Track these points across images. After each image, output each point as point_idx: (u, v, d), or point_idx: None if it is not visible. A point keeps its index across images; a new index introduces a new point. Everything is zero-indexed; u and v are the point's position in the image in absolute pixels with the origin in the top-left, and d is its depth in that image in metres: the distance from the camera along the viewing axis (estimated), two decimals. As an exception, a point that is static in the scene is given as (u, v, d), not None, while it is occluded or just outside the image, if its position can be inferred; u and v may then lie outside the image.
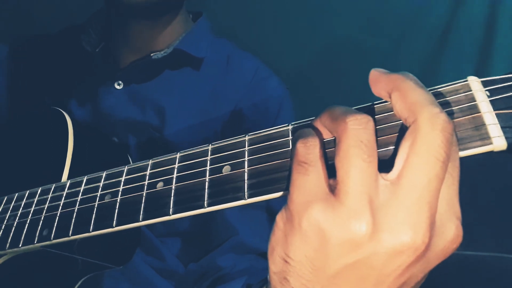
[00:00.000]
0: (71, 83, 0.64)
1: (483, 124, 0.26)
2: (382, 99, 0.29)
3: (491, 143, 0.26)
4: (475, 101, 0.27)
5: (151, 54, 0.63)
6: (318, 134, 0.28)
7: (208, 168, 0.35)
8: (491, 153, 0.27)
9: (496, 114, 0.26)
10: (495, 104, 0.27)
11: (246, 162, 0.34)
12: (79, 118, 0.63)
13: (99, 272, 0.54)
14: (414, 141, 0.24)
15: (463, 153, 0.26)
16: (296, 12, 1.04)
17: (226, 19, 0.87)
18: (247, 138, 0.35)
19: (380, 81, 0.27)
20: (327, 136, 0.29)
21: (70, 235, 0.41)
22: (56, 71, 0.65)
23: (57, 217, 0.42)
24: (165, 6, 0.60)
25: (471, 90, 0.28)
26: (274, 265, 0.27)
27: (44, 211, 0.44)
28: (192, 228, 0.60)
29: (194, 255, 0.58)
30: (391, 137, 0.28)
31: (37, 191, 0.47)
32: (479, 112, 0.27)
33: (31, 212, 0.45)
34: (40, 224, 0.43)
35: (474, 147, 0.26)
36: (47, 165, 0.50)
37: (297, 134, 0.28)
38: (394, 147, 0.27)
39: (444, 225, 0.24)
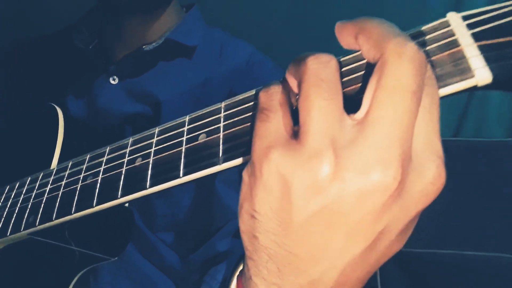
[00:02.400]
0: (66, 81, 0.64)
1: (463, 57, 0.24)
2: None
3: (473, 76, 0.23)
4: (454, 35, 0.25)
5: (143, 46, 0.63)
6: (285, 84, 0.26)
7: (184, 138, 0.34)
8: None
9: (478, 46, 0.24)
10: (476, 37, 0.24)
11: (221, 128, 0.32)
12: (76, 115, 0.63)
13: (96, 267, 0.53)
14: (380, 75, 0.21)
15: (443, 91, 0.24)
16: (294, 9, 1.02)
17: (224, 13, 0.87)
18: (223, 104, 0.33)
19: (345, 28, 0.25)
20: (295, 86, 0.27)
21: (53, 219, 0.40)
22: (50, 71, 0.65)
23: (43, 203, 0.42)
24: (155, 0, 0.60)
25: (449, 26, 0.25)
26: (243, 223, 0.25)
27: (32, 198, 0.44)
28: (191, 219, 0.58)
29: (192, 247, 0.56)
30: (358, 86, 0.26)
31: (27, 180, 0.46)
32: (459, 46, 0.24)
33: (20, 201, 0.45)
34: (27, 212, 0.43)
35: (454, 82, 0.24)
36: (39, 156, 0.50)
37: (263, 86, 0.26)
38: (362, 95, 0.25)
39: (422, 164, 0.21)
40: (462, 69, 0.24)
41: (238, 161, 0.30)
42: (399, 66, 0.21)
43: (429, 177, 0.21)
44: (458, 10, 0.27)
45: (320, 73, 0.22)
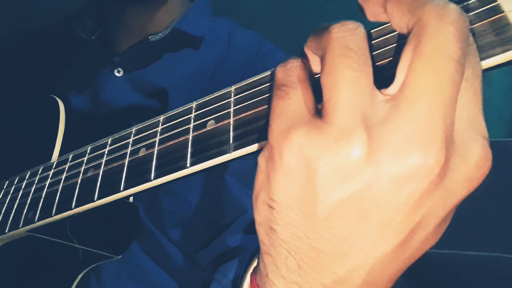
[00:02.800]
0: (68, 73, 0.62)
1: (508, 24, 0.21)
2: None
3: (520, 45, 0.20)
4: (496, 1, 0.22)
5: (149, 37, 0.60)
6: (304, 60, 0.23)
7: (191, 125, 0.31)
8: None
9: (525, 11, 0.21)
10: (522, 2, 0.21)
11: (231, 113, 0.29)
12: (79, 108, 0.60)
13: (99, 267, 0.51)
14: (418, 41, 0.18)
15: (485, 63, 0.21)
16: (298, 8, 0.99)
17: (230, 1, 0.84)
18: (233, 88, 0.31)
19: None
20: (316, 63, 0.24)
21: (53, 214, 0.37)
22: (51, 62, 0.63)
23: (42, 198, 0.39)
24: None
25: (490, -10, 0.22)
26: (259, 215, 0.22)
27: (31, 193, 0.41)
28: (200, 215, 0.55)
29: (201, 245, 0.54)
30: (388, 61, 0.23)
31: (26, 174, 0.44)
32: (502, 12, 0.21)
33: (19, 196, 0.43)
34: (26, 207, 0.41)
35: (498, 53, 0.21)
36: (39, 149, 0.47)
37: (279, 63, 0.24)
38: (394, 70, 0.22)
39: (466, 144, 0.19)
40: (506, 37, 0.21)
41: (251, 148, 0.27)
42: (441, 29, 0.18)
43: (474, 159, 0.18)
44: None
45: (347, 41, 0.19)
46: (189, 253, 0.55)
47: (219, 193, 0.51)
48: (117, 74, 0.61)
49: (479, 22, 0.22)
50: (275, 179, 0.20)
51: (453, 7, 0.18)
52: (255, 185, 0.22)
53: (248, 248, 0.43)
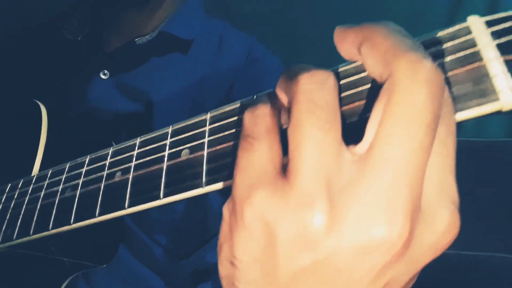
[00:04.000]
0: (55, 75, 0.61)
1: (486, 75, 0.20)
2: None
3: (497, 99, 0.19)
4: (475, 45, 0.21)
5: (136, 40, 0.59)
6: (275, 102, 0.22)
7: (166, 153, 0.31)
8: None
9: (505, 61, 0.20)
10: (503, 49, 0.20)
11: (205, 144, 0.28)
12: (63, 112, 0.59)
13: (88, 271, 0.51)
14: (389, 100, 0.17)
15: (460, 116, 0.20)
16: (292, 7, 0.97)
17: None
18: (208, 116, 0.30)
19: (346, 36, 0.20)
20: (287, 103, 0.23)
21: (31, 234, 0.37)
22: (37, 63, 0.62)
23: (21, 215, 0.39)
24: None
25: (471, 33, 0.21)
26: (222, 268, 0.21)
27: (10, 209, 0.41)
28: (187, 223, 0.55)
29: (186, 250, 0.54)
30: (361, 104, 0.22)
31: (7, 188, 0.43)
32: (481, 60, 0.20)
33: (-1, 210, 0.42)
34: (5, 223, 0.40)
35: (475, 105, 0.20)
36: (21, 159, 0.47)
37: (251, 102, 0.23)
38: (366, 115, 0.21)
39: (434, 212, 0.18)
40: (483, 89, 0.20)
41: (225, 184, 0.26)
42: (413, 89, 0.17)
43: (441, 228, 0.18)
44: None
45: (315, 97, 0.18)
46: (175, 255, 0.55)
47: (202, 205, 0.51)
48: (103, 77, 0.60)
49: (457, 68, 0.21)
50: (237, 237, 0.20)
51: (427, 64, 0.17)
52: (220, 235, 0.22)
53: None
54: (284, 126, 0.22)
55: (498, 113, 0.20)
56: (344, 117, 0.21)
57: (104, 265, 0.49)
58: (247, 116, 0.21)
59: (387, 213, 0.16)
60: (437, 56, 0.22)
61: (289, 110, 0.20)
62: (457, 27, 0.22)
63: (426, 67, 0.17)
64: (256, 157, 0.20)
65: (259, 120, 0.21)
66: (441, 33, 0.22)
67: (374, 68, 0.19)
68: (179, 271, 0.54)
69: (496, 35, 0.21)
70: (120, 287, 0.56)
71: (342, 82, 0.23)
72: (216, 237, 0.48)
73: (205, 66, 0.59)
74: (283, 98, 0.22)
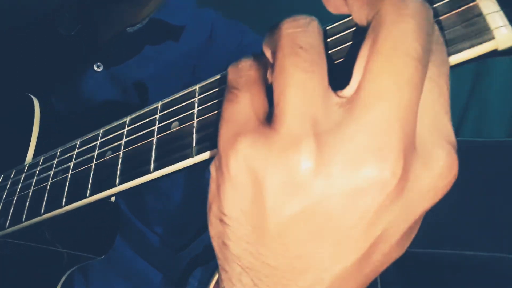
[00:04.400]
0: (48, 70, 0.60)
1: (479, 14, 0.19)
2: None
3: (492, 38, 0.18)
4: (466, -12, 0.20)
5: (127, 28, 0.58)
6: (261, 57, 0.22)
7: (156, 127, 0.30)
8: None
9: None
10: (495, -12, 0.19)
11: (195, 114, 0.28)
12: (57, 105, 0.59)
13: (85, 264, 0.50)
14: (375, 38, 0.17)
15: (454, 58, 0.19)
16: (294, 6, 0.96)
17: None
18: (197, 87, 0.29)
19: None
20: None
21: (23, 221, 0.36)
22: (30, 59, 0.61)
23: (13, 203, 0.38)
24: None
25: (460, -24, 0.20)
26: (212, 228, 0.21)
27: (3, 198, 0.40)
28: (183, 212, 0.54)
29: (185, 242, 0.53)
30: (351, 57, 0.21)
31: None
32: (473, 1, 0.19)
33: (-8, 200, 0.41)
34: (-2, 212, 0.39)
35: (469, 46, 0.19)
36: (14, 151, 0.46)
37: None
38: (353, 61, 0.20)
39: (429, 151, 0.17)
40: (478, 29, 0.19)
41: (214, 152, 0.26)
42: (399, 24, 0.16)
43: (438, 168, 0.17)
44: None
45: (298, 39, 0.18)
46: (175, 247, 0.54)
47: (199, 192, 0.50)
48: (96, 69, 0.59)
49: (448, 12, 0.20)
50: (224, 192, 0.19)
51: None
52: (209, 195, 0.21)
53: None
54: (270, 82, 0.22)
55: (494, 53, 0.19)
56: (330, 72, 0.20)
57: (102, 257, 0.48)
58: (231, 70, 0.21)
59: (378, 151, 0.16)
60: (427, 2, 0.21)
61: (272, 58, 0.19)
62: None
63: (412, 1, 0.16)
64: (241, 107, 0.19)
65: (242, 72, 0.20)
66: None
67: (360, 13, 0.19)
68: (176, 263, 0.53)
69: (487, -24, 0.20)
70: (117, 280, 0.55)
71: (329, 39, 0.22)
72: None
73: (198, 55, 0.59)
74: (268, 53, 0.22)
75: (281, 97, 0.17)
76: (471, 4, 0.19)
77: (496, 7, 0.19)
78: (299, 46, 0.17)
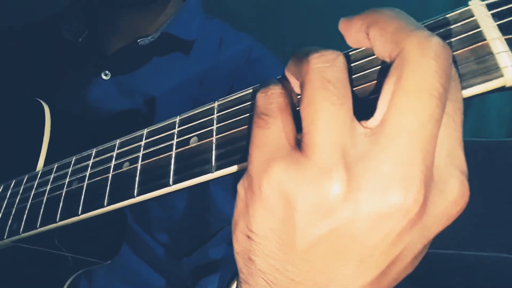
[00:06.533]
0: (54, 75, 0.61)
1: (490, 53, 0.21)
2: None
3: (501, 75, 0.20)
4: (479, 27, 0.21)
5: (138, 40, 0.59)
6: (285, 83, 0.23)
7: (175, 141, 0.31)
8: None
9: (506, 39, 0.21)
10: (504, 29, 0.21)
11: (214, 131, 0.29)
12: (65, 112, 0.59)
13: (89, 270, 0.51)
14: (400, 75, 0.18)
15: (467, 92, 0.21)
16: (291, 8, 0.98)
17: (223, 2, 0.83)
18: (216, 104, 0.30)
19: (352, 24, 0.21)
20: (297, 85, 0.24)
21: (38, 227, 0.37)
22: (37, 63, 0.62)
23: (27, 209, 0.39)
24: None
25: (473, 16, 0.22)
26: (238, 244, 0.22)
27: (16, 203, 0.41)
28: (187, 221, 0.55)
29: (188, 251, 0.54)
30: (371, 84, 0.23)
31: (11, 184, 0.44)
32: (485, 40, 0.21)
33: (4, 205, 0.42)
34: (11, 218, 0.40)
35: (479, 82, 0.21)
36: (24, 156, 0.47)
37: (260, 84, 0.23)
38: (376, 95, 0.22)
39: (445, 181, 0.19)
40: (488, 67, 0.21)
41: (233, 169, 0.27)
42: (423, 64, 0.18)
43: (452, 196, 0.18)
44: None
45: (326, 73, 0.19)
46: (177, 255, 0.55)
47: (204, 202, 0.51)
48: (104, 77, 0.60)
49: (461, 48, 0.22)
50: (254, 211, 0.20)
51: (435, 40, 0.18)
52: (235, 212, 0.22)
53: (230, 259, 0.43)
54: (296, 108, 0.23)
55: (502, 88, 0.21)
56: (354, 96, 0.21)
57: (108, 262, 0.49)
58: (260, 96, 0.22)
59: (402, 180, 0.17)
60: (442, 38, 0.22)
61: (301, 89, 0.20)
62: (459, 11, 0.23)
63: (434, 43, 0.18)
64: (272, 133, 0.20)
65: (272, 99, 0.21)
66: (444, 17, 0.23)
67: (383, 49, 0.20)
68: (180, 269, 0.54)
69: (496, 16, 0.22)
70: (121, 286, 0.56)
71: (350, 65, 0.24)
72: (217, 235, 0.48)
73: (206, 67, 0.60)
74: (293, 80, 0.23)
75: (311, 127, 0.19)
76: (483, 43, 0.21)
77: (505, 47, 0.20)
78: (328, 80, 0.19)
